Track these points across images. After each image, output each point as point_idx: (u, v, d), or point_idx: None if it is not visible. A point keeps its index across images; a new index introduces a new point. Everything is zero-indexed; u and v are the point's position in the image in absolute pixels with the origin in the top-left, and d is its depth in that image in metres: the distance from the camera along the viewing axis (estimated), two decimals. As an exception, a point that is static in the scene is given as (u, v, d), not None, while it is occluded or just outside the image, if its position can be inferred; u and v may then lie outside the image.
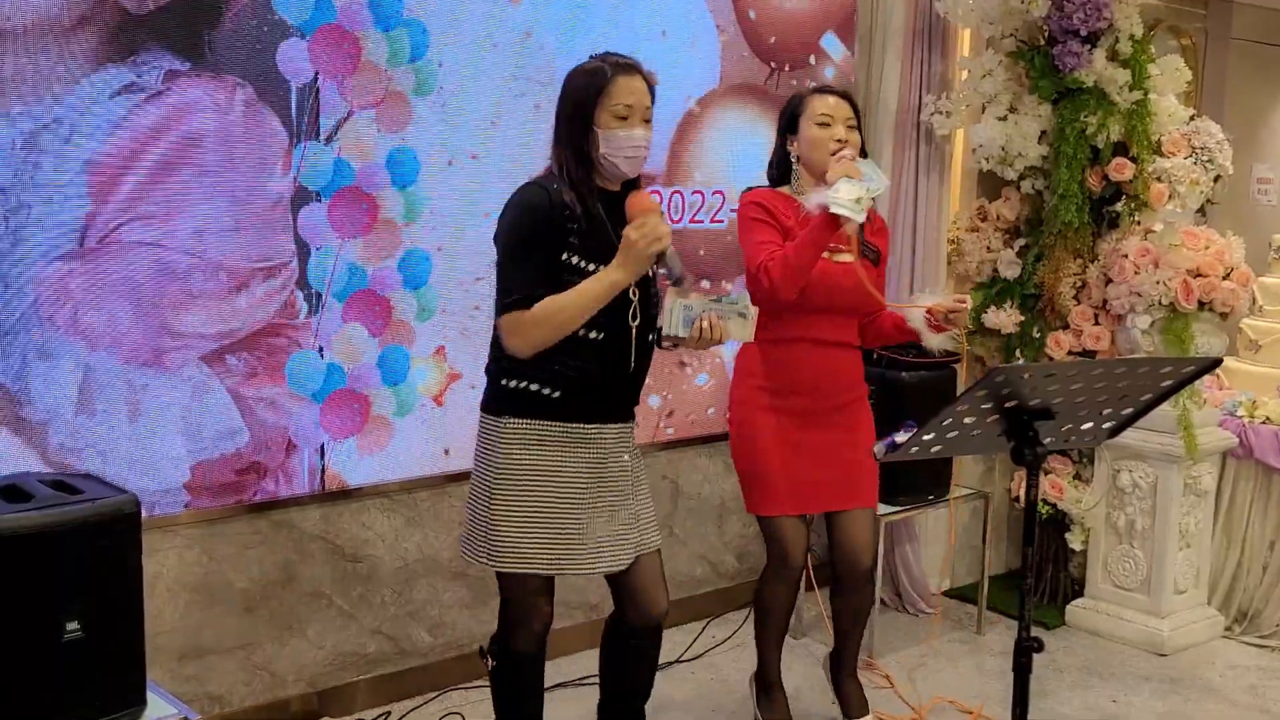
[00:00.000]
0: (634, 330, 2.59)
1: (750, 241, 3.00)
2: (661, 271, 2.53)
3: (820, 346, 3.06)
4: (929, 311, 3.03)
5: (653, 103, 2.59)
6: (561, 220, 2.50)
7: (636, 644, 2.77)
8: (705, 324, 2.54)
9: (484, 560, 2.61)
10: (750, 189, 3.12)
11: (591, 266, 2.51)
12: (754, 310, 2.61)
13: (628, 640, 2.77)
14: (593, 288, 2.48)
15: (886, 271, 3.31)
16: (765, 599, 3.23)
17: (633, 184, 2.63)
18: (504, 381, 2.59)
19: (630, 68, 2.56)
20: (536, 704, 2.78)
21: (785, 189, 3.10)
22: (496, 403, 2.62)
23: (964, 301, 3.01)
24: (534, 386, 2.55)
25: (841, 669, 3.34)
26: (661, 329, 2.58)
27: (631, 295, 2.57)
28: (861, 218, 2.82)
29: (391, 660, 3.50)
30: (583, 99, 2.54)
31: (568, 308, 2.48)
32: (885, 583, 4.08)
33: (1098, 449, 4.18)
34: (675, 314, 2.55)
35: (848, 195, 2.78)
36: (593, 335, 2.54)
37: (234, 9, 3.00)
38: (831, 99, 3.04)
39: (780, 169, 3.14)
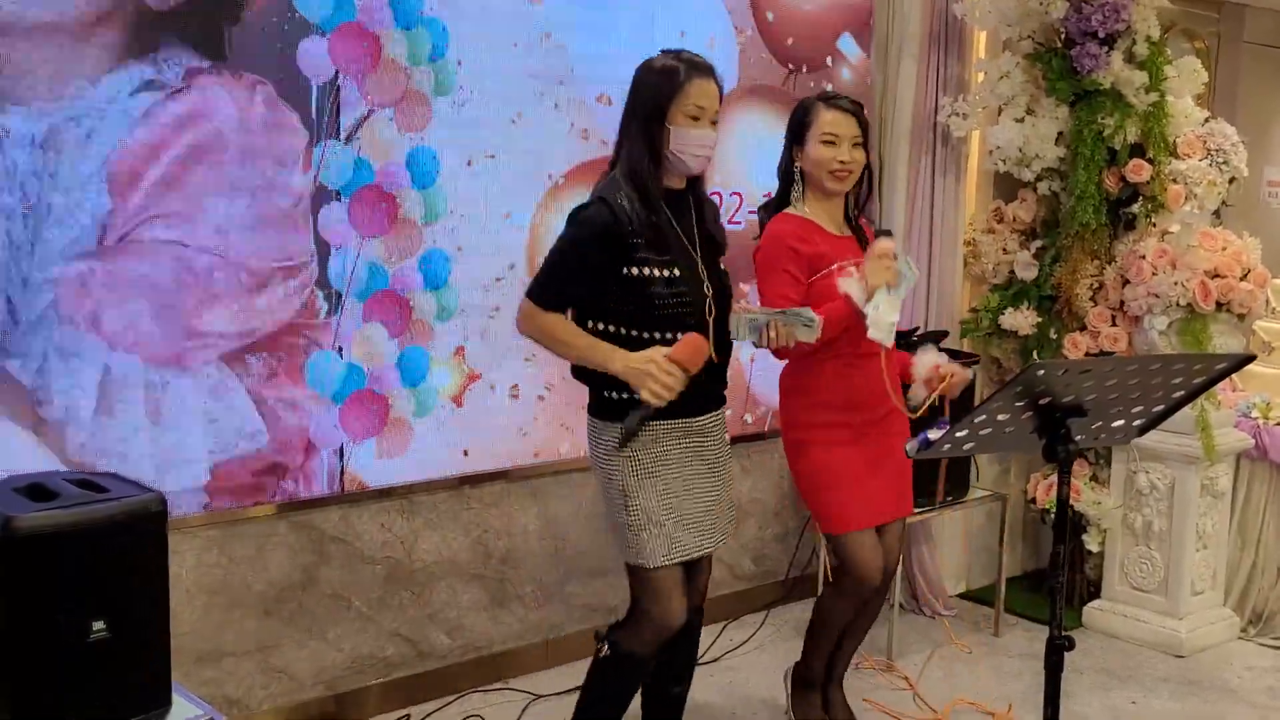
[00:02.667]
0: (710, 325, 2.65)
1: (769, 292, 2.94)
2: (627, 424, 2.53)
3: (847, 360, 2.97)
4: (936, 367, 2.98)
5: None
6: (625, 235, 2.54)
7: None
8: (772, 332, 2.68)
9: (641, 562, 2.64)
10: (778, 211, 3.05)
11: (663, 273, 2.57)
12: (819, 319, 2.69)
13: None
14: (592, 349, 2.57)
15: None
16: (831, 612, 3.14)
17: (696, 181, 2.72)
18: (606, 393, 2.63)
19: (705, 70, 2.62)
20: (625, 705, 2.80)
21: (793, 209, 3.03)
22: (604, 410, 2.66)
23: (957, 375, 2.97)
24: (636, 396, 2.54)
25: (831, 678, 3.26)
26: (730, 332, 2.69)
27: (706, 290, 2.65)
28: (891, 342, 2.87)
29: (410, 663, 3.47)
30: (658, 96, 2.59)
31: (566, 343, 2.60)
32: (902, 585, 4.06)
33: (1115, 450, 4.17)
34: (741, 325, 2.67)
35: (887, 319, 2.82)
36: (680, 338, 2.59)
37: (255, 6, 2.98)
38: (838, 115, 2.95)
39: (785, 178, 3.07)
